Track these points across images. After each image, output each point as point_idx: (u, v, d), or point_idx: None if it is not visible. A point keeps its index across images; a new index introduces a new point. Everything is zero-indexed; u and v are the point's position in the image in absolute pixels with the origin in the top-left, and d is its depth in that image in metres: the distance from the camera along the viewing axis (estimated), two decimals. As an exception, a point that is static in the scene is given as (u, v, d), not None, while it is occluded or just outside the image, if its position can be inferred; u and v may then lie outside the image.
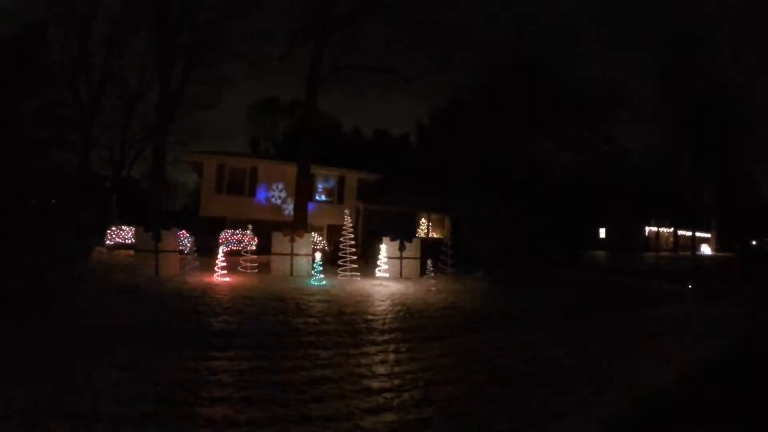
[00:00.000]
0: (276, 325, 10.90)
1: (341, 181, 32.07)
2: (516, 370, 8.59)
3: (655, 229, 59.04)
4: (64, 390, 6.35)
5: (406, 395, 7.01)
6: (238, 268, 19.13)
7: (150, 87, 35.55)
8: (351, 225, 20.94)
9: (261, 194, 30.10)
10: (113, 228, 26.44)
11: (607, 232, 58.07)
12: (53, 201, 28.41)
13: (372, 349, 9.41)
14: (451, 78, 28.34)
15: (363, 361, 8.59)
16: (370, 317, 12.27)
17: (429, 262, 20.46)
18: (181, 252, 19.93)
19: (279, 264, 20.35)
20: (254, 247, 20.02)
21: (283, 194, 30.16)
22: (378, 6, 26.56)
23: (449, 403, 6.84)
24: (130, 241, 24.59)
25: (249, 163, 31.09)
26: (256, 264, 19.61)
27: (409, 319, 12.35)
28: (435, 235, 33.74)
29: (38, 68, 30.29)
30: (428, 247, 24.61)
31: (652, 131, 47.30)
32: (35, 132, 28.60)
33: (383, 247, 22.11)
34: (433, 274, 20.08)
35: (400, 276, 21.55)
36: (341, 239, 20.75)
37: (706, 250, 60.56)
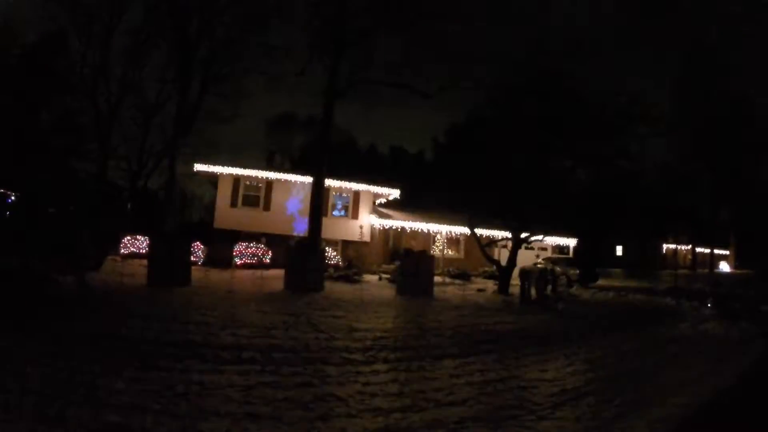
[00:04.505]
0: (285, 339, 10.77)
1: (356, 197, 32.02)
2: (529, 392, 8.39)
3: (672, 246, 58.41)
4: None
5: (416, 417, 6.85)
6: (251, 280, 19.12)
7: (168, 99, 35.82)
8: (366, 240, 20.81)
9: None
10: (128, 237, 26.61)
11: (623, 250, 57.53)
12: (70, 208, 28.67)
13: (383, 366, 9.25)
14: (467, 93, 28.24)
15: (373, 379, 8.43)
16: (383, 334, 12.12)
17: (446, 279, 20.19)
18: (195, 263, 19.93)
19: (292, 278, 20.27)
20: (268, 261, 19.97)
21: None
22: (395, 22, 26.59)
23: (460, 425, 6.68)
24: (144, 251, 24.73)
25: (264, 176, 31.17)
26: (269, 277, 19.57)
27: (421, 338, 12.18)
28: (451, 252, 33.60)
29: (58, 77, 30.70)
30: (445, 264, 24.52)
31: (670, 147, 46.91)
32: (54, 140, 28.99)
33: (397, 264, 22.06)
34: (448, 291, 19.82)
35: (414, 292, 21.42)
36: (355, 254, 20.66)
37: (724, 267, 59.68)
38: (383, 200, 34.28)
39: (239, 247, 26.25)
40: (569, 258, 36.08)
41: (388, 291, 20.90)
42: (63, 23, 31.28)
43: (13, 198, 27.35)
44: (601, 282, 33.48)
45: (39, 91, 31.10)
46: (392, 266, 22.27)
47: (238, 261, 25.36)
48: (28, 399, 6.21)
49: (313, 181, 25.88)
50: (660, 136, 30.76)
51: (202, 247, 25.60)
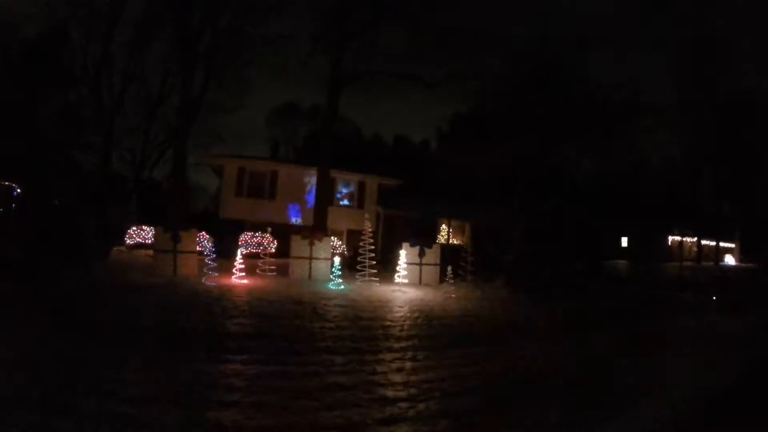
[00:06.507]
0: (292, 329, 10.76)
1: (361, 186, 31.94)
2: (534, 381, 8.36)
3: (678, 238, 58.16)
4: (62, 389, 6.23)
5: (421, 405, 6.82)
6: (257, 270, 19.08)
7: (172, 90, 35.75)
8: (371, 230, 20.71)
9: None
10: (134, 228, 26.61)
11: (629, 242, 57.25)
12: (74, 200, 28.67)
13: (388, 356, 9.22)
14: (472, 83, 28.15)
15: (379, 368, 8.40)
16: (388, 323, 12.10)
17: (449, 268, 19.98)
18: (200, 253, 19.92)
19: (297, 267, 20.28)
20: (273, 250, 19.92)
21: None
22: (397, 13, 26.44)
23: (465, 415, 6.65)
24: (150, 241, 24.74)
25: (269, 166, 31.10)
26: (275, 267, 19.53)
27: (427, 327, 12.15)
28: (455, 242, 33.51)
29: (60, 70, 30.62)
30: (448, 253, 24.44)
31: (674, 140, 46.63)
32: (57, 132, 28.95)
33: (403, 253, 21.97)
34: (452, 281, 19.68)
35: (419, 282, 21.38)
36: (360, 244, 20.57)
37: (729, 260, 59.42)
38: (389, 189, 34.20)
39: (245, 237, 26.23)
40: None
41: (394, 282, 20.93)
42: (64, 15, 31.16)
43: (18, 191, 27.37)
44: (605, 273, 33.37)
45: (41, 83, 31.03)
46: (398, 256, 22.18)
47: (243, 251, 25.35)
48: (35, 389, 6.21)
49: (318, 171, 25.82)
50: (663, 128, 30.64)
51: (207, 237, 25.60)
